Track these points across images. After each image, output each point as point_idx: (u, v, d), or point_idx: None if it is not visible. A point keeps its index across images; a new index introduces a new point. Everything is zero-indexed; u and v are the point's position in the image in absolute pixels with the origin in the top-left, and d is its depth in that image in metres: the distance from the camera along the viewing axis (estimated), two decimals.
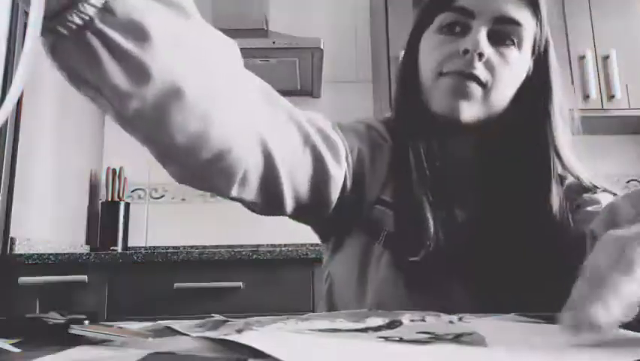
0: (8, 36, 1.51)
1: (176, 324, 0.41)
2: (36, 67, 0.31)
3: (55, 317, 0.36)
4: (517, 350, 0.32)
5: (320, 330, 0.38)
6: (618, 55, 1.99)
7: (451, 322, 0.44)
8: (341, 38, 2.33)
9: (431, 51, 0.67)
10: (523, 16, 0.65)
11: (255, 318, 0.46)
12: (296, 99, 2.15)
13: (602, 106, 1.98)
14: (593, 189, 0.68)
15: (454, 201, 0.68)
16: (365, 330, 0.39)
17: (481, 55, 0.63)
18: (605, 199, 0.66)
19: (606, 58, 1.99)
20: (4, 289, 1.49)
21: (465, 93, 0.64)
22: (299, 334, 0.37)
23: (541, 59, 0.69)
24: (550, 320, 0.43)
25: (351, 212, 0.66)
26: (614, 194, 0.69)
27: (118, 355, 0.30)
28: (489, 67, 0.64)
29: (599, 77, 2.00)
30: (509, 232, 0.63)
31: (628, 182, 2.26)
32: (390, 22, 2.00)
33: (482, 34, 0.63)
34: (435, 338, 0.35)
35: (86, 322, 0.36)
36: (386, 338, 0.35)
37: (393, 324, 0.41)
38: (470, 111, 0.64)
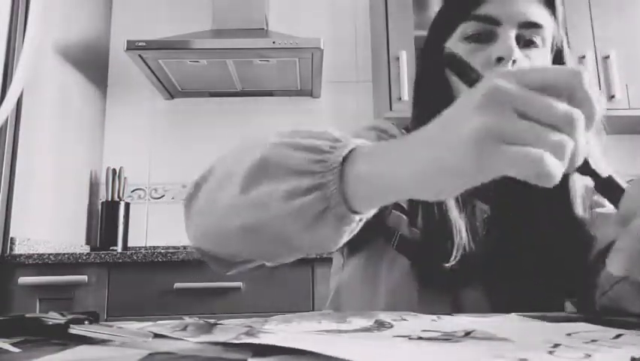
0: (8, 36, 1.51)
1: (158, 327, 0.40)
2: (36, 67, 0.31)
3: (55, 317, 0.36)
4: (538, 342, 0.32)
5: (327, 331, 0.38)
6: (618, 55, 1.98)
7: (433, 320, 0.45)
8: (341, 38, 2.33)
9: None
10: (544, 17, 0.66)
11: (235, 320, 0.46)
12: (296, 99, 2.17)
13: None
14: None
15: (476, 205, 0.68)
16: (369, 329, 0.39)
17: (514, 61, 0.63)
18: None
19: (606, 58, 1.99)
20: (4, 289, 1.49)
21: None
22: (319, 335, 0.36)
23: (558, 56, 0.70)
24: (547, 319, 0.43)
25: (373, 225, 0.67)
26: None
27: (118, 355, 0.30)
28: None
29: (599, 77, 1.99)
30: (530, 238, 0.63)
31: (628, 182, 2.25)
32: (390, 22, 2.00)
33: (513, 41, 0.64)
34: (448, 335, 0.35)
35: (86, 322, 0.36)
36: (408, 337, 0.34)
37: (384, 325, 0.41)
38: None
